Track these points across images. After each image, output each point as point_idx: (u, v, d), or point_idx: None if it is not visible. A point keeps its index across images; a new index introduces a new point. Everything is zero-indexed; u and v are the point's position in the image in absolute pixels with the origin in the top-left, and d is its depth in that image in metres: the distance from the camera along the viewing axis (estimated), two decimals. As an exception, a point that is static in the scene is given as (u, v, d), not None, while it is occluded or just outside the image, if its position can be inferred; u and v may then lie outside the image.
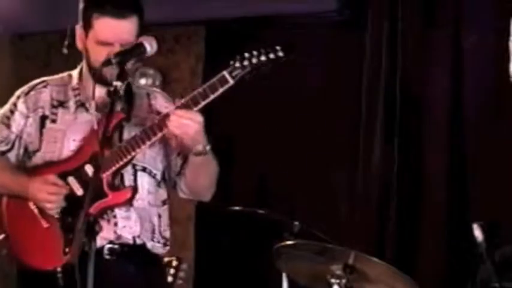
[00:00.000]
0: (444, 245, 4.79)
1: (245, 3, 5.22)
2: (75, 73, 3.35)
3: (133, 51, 3.06)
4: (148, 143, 3.11)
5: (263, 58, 2.99)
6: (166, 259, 4.25)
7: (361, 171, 5.02)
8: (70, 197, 3.16)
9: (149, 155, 3.27)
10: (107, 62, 3.02)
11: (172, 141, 3.25)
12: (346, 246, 3.77)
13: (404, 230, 4.89)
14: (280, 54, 3.00)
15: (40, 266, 3.16)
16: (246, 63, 3.00)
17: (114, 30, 3.12)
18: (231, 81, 3.01)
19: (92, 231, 2.77)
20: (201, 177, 3.27)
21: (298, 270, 3.86)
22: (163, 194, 3.35)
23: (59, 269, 3.10)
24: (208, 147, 3.13)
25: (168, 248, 3.36)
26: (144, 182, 3.26)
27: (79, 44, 3.25)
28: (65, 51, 5.62)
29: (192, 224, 5.49)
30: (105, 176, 3.14)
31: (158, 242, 3.30)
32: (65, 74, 3.40)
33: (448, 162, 4.84)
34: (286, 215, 4.29)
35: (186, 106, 3.03)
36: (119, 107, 3.18)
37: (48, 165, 3.22)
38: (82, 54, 3.28)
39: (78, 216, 3.06)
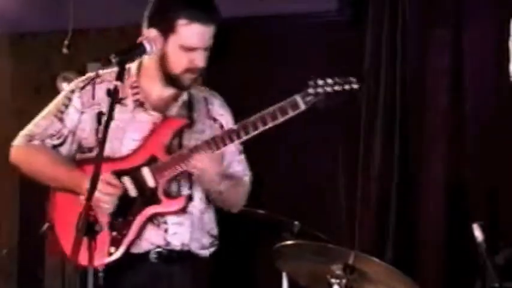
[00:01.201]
0: (444, 245, 4.79)
1: (245, 4, 5.22)
2: (133, 68, 3.27)
3: (134, 50, 3.05)
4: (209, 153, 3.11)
5: (337, 88, 3.05)
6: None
7: (361, 171, 5.02)
8: (123, 197, 3.12)
9: None
10: (107, 62, 3.01)
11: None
12: (346, 246, 3.77)
13: (404, 230, 4.89)
14: (355, 86, 3.05)
15: (82, 263, 3.13)
16: (319, 90, 3.06)
17: (202, 36, 3.11)
18: (303, 107, 3.09)
19: (92, 231, 2.75)
20: (233, 198, 3.31)
21: (298, 270, 3.86)
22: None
23: (100, 269, 3.08)
24: (248, 175, 3.25)
25: (214, 248, 3.32)
26: (199, 190, 3.23)
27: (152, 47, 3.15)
28: (65, 51, 5.63)
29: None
30: (162, 181, 3.12)
31: (205, 247, 3.28)
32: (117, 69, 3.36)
33: (448, 162, 4.84)
34: (286, 215, 4.29)
35: (254, 125, 3.09)
36: (182, 112, 3.22)
37: (104, 162, 3.12)
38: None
39: (128, 217, 3.11)
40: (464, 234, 4.15)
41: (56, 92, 6.08)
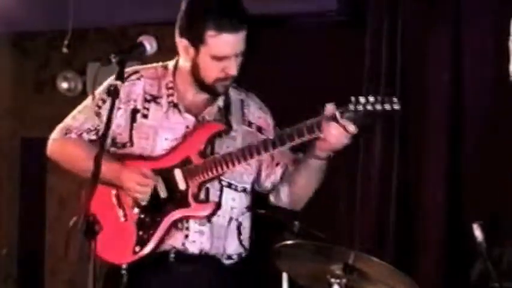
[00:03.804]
0: (444, 245, 4.79)
1: (245, 3, 5.21)
2: (170, 67, 3.26)
3: (134, 50, 3.05)
4: (243, 163, 3.09)
5: (378, 107, 2.97)
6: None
7: (360, 171, 5.02)
8: (153, 197, 3.12)
9: (237, 171, 3.19)
10: (107, 62, 3.00)
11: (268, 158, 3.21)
12: (346, 246, 3.77)
13: (404, 230, 4.89)
14: (396, 107, 2.97)
15: (107, 258, 3.11)
16: (359, 108, 2.98)
17: (232, 44, 3.06)
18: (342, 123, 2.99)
19: (91, 231, 2.75)
20: (312, 184, 3.24)
21: (298, 270, 3.86)
22: (247, 201, 3.28)
23: (124, 266, 3.09)
24: (331, 153, 3.12)
25: (238, 258, 3.26)
26: (229, 198, 3.19)
27: (185, 56, 3.15)
28: (65, 50, 5.63)
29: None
30: (192, 185, 3.10)
31: (229, 256, 3.23)
32: (158, 65, 3.29)
33: (447, 162, 4.84)
34: (286, 215, 4.29)
35: (290, 137, 3.03)
36: (217, 117, 3.19)
37: (138, 159, 3.15)
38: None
39: (156, 218, 3.10)
40: (464, 233, 4.15)
41: (56, 91, 6.12)
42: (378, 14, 5.03)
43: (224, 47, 3.07)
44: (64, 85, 6.07)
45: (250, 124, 3.26)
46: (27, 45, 6.28)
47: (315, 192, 3.35)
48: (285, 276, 4.16)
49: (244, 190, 3.25)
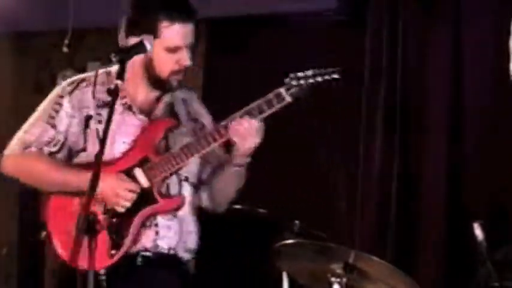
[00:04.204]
0: (444, 245, 4.79)
1: (246, 3, 5.22)
2: (113, 72, 3.28)
3: (134, 49, 3.06)
4: (202, 152, 3.14)
5: (319, 79, 3.12)
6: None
7: (361, 171, 5.02)
8: None
9: (191, 164, 3.26)
10: (107, 61, 3.02)
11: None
12: (346, 245, 3.77)
13: (405, 230, 4.88)
14: (336, 76, 3.12)
15: (83, 267, 3.08)
16: (302, 82, 3.10)
17: (184, 35, 3.17)
18: (289, 99, 3.11)
19: (92, 230, 2.75)
20: (230, 188, 3.31)
21: (298, 269, 3.86)
22: (197, 200, 3.36)
23: (102, 272, 3.11)
24: (248, 160, 3.20)
25: (191, 255, 3.34)
26: (186, 192, 3.27)
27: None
28: (65, 49, 5.63)
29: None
30: (156, 182, 3.15)
31: (190, 251, 3.31)
32: (100, 72, 3.34)
33: (448, 162, 4.84)
34: (286, 214, 4.29)
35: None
36: (166, 113, 3.25)
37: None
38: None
39: (126, 219, 3.14)
40: (465, 233, 4.15)
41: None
42: (378, 14, 5.03)
43: (177, 37, 3.15)
44: (64, 84, 6.07)
45: (196, 121, 3.33)
46: (27, 44, 6.28)
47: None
48: (285, 275, 4.16)
49: (197, 184, 3.34)
